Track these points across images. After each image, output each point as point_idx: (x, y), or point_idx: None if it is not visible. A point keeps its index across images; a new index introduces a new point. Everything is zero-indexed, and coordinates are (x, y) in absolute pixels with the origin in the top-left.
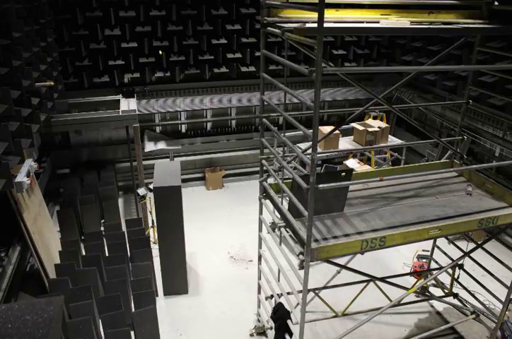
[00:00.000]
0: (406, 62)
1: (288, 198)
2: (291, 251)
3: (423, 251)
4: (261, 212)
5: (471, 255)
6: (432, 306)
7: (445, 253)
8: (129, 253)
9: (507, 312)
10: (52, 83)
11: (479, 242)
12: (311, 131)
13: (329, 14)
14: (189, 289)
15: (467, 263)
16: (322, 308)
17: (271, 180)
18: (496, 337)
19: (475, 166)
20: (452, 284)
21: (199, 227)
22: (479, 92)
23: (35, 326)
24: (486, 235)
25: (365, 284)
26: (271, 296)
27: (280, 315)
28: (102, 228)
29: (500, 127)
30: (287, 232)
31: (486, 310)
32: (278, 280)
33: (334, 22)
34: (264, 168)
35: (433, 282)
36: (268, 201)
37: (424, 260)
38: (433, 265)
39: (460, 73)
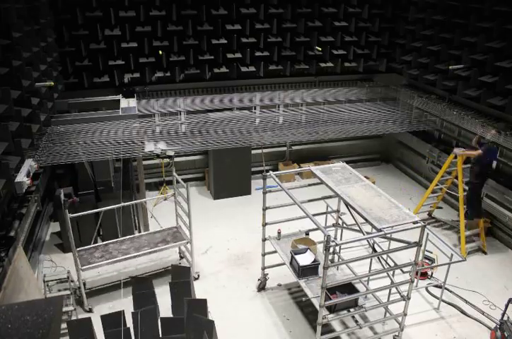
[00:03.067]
0: (407, 62)
1: None
2: None
3: (427, 251)
4: None
5: (471, 255)
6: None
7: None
8: None
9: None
10: (52, 83)
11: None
12: None
13: None
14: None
15: (468, 263)
16: None
17: None
18: (496, 337)
19: None
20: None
21: (198, 226)
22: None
23: (35, 326)
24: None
25: None
26: None
27: None
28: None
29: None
30: None
31: (486, 310)
32: None
33: None
34: None
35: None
36: None
37: (427, 261)
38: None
39: (460, 73)
